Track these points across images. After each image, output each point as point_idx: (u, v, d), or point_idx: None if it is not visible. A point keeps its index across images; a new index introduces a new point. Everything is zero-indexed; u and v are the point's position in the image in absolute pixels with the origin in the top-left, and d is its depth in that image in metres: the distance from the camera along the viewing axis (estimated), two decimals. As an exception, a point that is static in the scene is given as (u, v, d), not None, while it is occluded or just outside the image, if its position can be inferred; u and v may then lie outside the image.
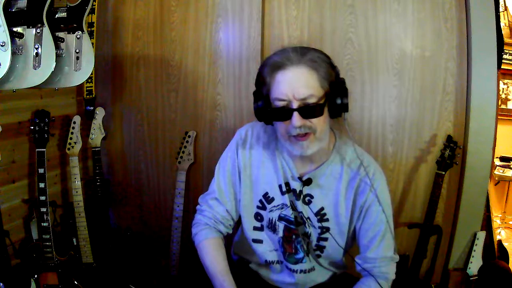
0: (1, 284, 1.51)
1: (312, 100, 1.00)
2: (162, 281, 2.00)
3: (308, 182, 1.14)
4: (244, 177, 1.20)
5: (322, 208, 1.16)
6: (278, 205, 1.18)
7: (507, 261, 1.86)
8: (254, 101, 1.09)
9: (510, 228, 3.28)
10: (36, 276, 1.65)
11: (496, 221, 3.27)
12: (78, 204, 1.86)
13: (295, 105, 0.99)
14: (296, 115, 0.99)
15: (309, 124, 1.01)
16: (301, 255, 1.20)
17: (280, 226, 1.19)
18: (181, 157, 1.97)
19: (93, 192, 2.05)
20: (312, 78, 1.00)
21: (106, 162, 2.17)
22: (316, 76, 1.00)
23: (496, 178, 3.25)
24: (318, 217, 1.16)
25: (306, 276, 1.23)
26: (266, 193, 1.18)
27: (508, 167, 3.25)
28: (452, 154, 1.71)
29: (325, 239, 1.18)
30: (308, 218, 1.17)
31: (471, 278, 1.76)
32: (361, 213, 1.14)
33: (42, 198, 1.65)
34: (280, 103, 1.01)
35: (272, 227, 1.20)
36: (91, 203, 2.13)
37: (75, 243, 1.87)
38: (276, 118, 1.04)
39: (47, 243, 1.65)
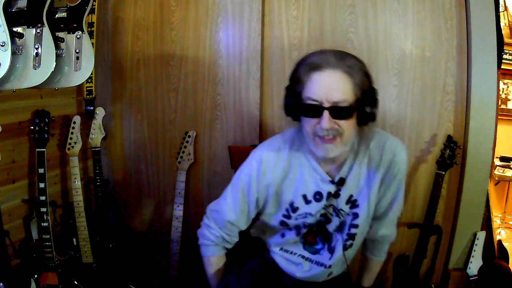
0: (1, 284, 1.51)
1: (344, 104, 1.00)
2: (162, 281, 2.00)
3: (341, 182, 1.15)
4: (272, 194, 1.19)
5: (351, 196, 1.18)
6: (302, 214, 1.19)
7: (507, 261, 1.86)
8: (286, 96, 1.11)
9: (510, 228, 3.28)
10: (36, 276, 1.65)
11: (496, 221, 3.26)
12: (78, 204, 1.86)
13: (326, 105, 1.00)
14: (326, 114, 1.00)
15: (337, 128, 1.02)
16: (319, 246, 1.23)
17: (304, 230, 1.23)
18: (181, 157, 1.97)
19: (93, 192, 2.05)
20: (347, 84, 1.00)
21: (106, 162, 2.17)
22: (350, 82, 1.01)
23: (496, 178, 3.24)
24: (349, 204, 1.18)
25: (322, 271, 1.25)
26: (292, 203, 1.19)
27: (508, 167, 3.25)
28: (452, 154, 1.71)
29: (356, 226, 1.20)
30: (341, 209, 1.18)
31: (471, 278, 1.76)
32: (386, 184, 1.19)
33: (42, 198, 1.64)
34: (312, 103, 1.02)
35: (298, 230, 1.23)
36: (91, 203, 2.14)
37: (75, 243, 1.87)
38: (306, 113, 1.04)
39: (47, 243, 1.65)
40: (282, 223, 1.23)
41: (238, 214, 1.23)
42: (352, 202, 1.18)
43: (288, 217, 1.20)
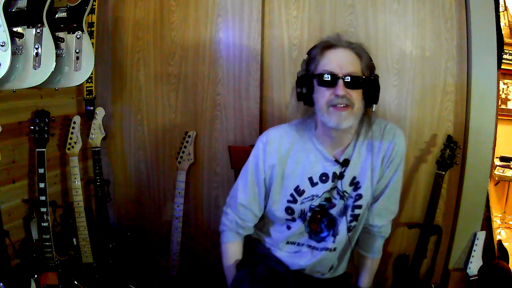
0: (1, 284, 1.51)
1: (355, 75, 1.11)
2: (162, 281, 2.00)
3: (346, 162, 1.21)
4: (276, 176, 1.25)
5: (354, 177, 1.23)
6: (308, 197, 1.23)
7: (507, 261, 1.86)
8: (298, 80, 1.19)
9: (510, 228, 3.28)
10: (36, 276, 1.65)
11: (496, 221, 3.27)
12: (78, 204, 1.86)
13: (341, 75, 1.10)
14: (341, 82, 1.10)
15: (349, 97, 1.10)
16: (325, 233, 1.27)
17: (309, 214, 1.26)
18: (181, 157, 1.97)
19: (93, 192, 2.05)
20: (357, 62, 1.13)
21: (106, 162, 2.17)
22: (359, 62, 1.13)
23: (496, 178, 3.25)
24: (353, 186, 1.23)
25: (325, 255, 1.27)
26: (297, 186, 1.23)
27: (508, 167, 3.25)
28: (452, 154, 1.71)
29: (360, 207, 1.24)
30: (345, 191, 1.23)
31: (471, 278, 1.76)
32: (384, 167, 1.24)
33: (42, 198, 1.65)
34: (328, 74, 1.11)
35: (303, 216, 1.26)
36: (91, 203, 2.14)
37: (75, 243, 1.87)
38: (322, 84, 1.12)
39: (47, 243, 1.65)
40: (287, 209, 1.25)
41: (249, 196, 1.29)
42: (355, 184, 1.23)
43: (294, 201, 1.24)
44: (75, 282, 1.74)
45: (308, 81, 1.16)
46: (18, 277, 1.61)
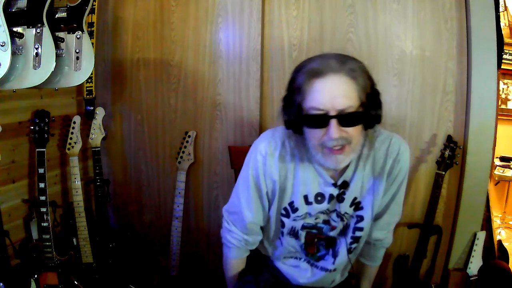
0: (1, 284, 1.51)
1: (351, 110, 0.95)
2: (162, 281, 2.00)
3: (345, 185, 1.12)
4: (277, 190, 1.17)
5: (355, 198, 1.16)
6: (302, 215, 1.18)
7: (507, 261, 1.86)
8: (284, 108, 1.04)
9: (510, 228, 3.28)
10: (36, 276, 1.65)
11: (496, 221, 3.27)
12: (78, 204, 1.86)
13: (333, 113, 0.94)
14: (334, 123, 0.94)
15: (345, 135, 0.96)
16: (323, 252, 1.22)
17: (302, 234, 1.21)
18: (181, 157, 1.97)
19: (93, 192, 2.05)
20: (351, 88, 0.95)
21: (106, 162, 2.17)
22: (355, 86, 0.95)
23: (496, 178, 3.25)
24: (353, 206, 1.17)
25: (325, 275, 1.25)
26: (292, 202, 1.17)
27: (508, 167, 3.25)
28: (452, 154, 1.71)
29: (361, 229, 1.19)
30: (345, 213, 1.17)
31: (471, 278, 1.76)
32: (387, 184, 1.16)
33: (42, 198, 1.65)
34: (317, 112, 0.95)
35: (295, 235, 1.21)
36: (91, 203, 2.14)
37: (75, 243, 1.87)
38: (311, 124, 0.98)
39: (47, 243, 1.65)
40: (279, 221, 1.22)
41: (254, 212, 1.20)
42: (356, 204, 1.17)
43: (287, 216, 1.19)
44: (75, 282, 1.74)
45: (295, 111, 1.00)
46: (18, 277, 1.61)
